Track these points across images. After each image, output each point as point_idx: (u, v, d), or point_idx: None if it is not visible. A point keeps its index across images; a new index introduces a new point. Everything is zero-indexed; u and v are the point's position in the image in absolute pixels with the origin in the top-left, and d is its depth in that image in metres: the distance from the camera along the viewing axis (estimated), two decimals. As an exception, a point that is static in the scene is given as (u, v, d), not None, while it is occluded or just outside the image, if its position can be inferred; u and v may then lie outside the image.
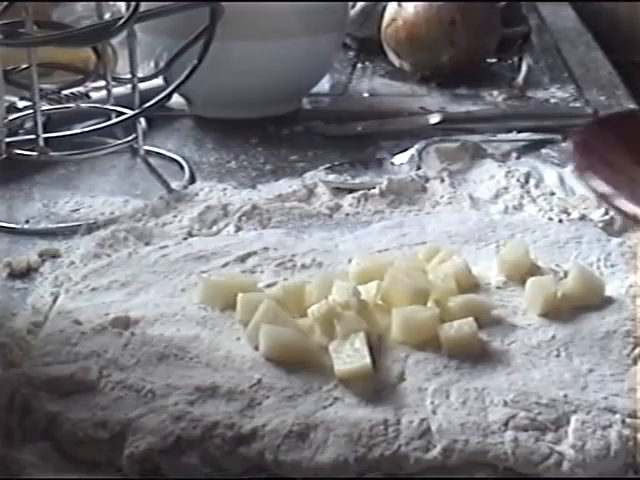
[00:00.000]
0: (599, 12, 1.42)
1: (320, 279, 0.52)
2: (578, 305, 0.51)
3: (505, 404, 0.43)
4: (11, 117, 0.73)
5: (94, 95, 0.82)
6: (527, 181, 0.70)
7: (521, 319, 0.51)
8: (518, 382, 0.45)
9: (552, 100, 0.95)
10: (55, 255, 0.61)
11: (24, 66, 0.69)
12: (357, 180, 0.71)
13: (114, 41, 0.77)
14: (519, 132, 0.81)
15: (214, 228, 0.64)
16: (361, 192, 0.68)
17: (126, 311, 0.52)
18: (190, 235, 0.63)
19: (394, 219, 0.65)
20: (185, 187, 0.71)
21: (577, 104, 0.93)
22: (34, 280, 0.58)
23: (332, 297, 0.50)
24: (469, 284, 0.53)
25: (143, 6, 0.64)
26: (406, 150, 0.76)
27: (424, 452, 0.41)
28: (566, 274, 0.54)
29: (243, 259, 0.58)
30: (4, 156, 0.68)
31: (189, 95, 0.88)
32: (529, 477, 0.41)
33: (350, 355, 0.46)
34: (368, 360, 0.45)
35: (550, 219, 0.63)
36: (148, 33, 0.81)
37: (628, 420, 0.43)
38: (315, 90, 0.93)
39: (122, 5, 0.86)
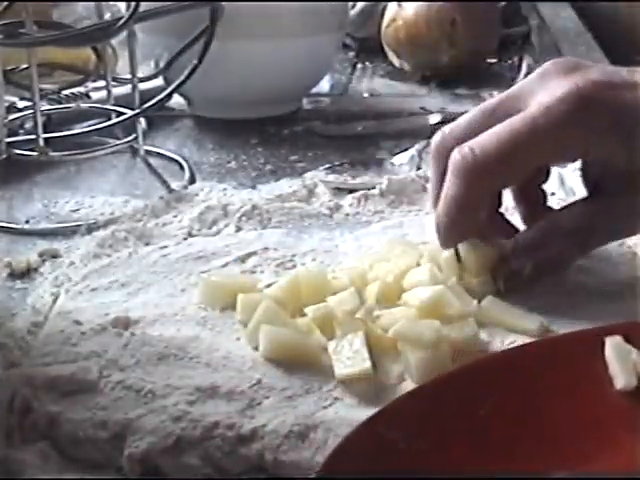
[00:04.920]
0: (599, 12, 1.42)
1: (315, 278, 0.52)
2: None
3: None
4: (11, 117, 0.73)
5: (94, 95, 0.82)
6: (527, 181, 0.69)
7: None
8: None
9: (552, 100, 0.94)
10: (55, 255, 0.61)
11: (24, 66, 0.69)
12: (357, 180, 0.71)
13: (114, 41, 0.77)
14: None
15: (214, 228, 0.64)
16: (361, 192, 0.68)
17: (126, 311, 0.52)
18: (190, 235, 0.63)
19: (394, 219, 0.65)
20: (185, 187, 0.71)
21: (577, 104, 0.92)
22: (34, 280, 0.58)
23: (331, 300, 0.50)
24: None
25: (143, 6, 0.64)
26: (406, 150, 0.76)
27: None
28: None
29: (243, 259, 0.58)
30: (4, 156, 0.68)
31: (189, 95, 0.88)
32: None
33: (350, 357, 0.46)
34: (369, 364, 0.45)
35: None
36: (148, 33, 0.81)
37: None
38: (315, 90, 0.93)
39: (122, 5, 0.86)
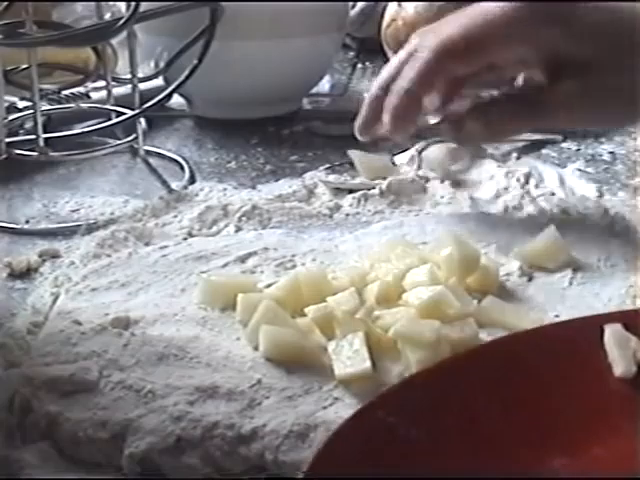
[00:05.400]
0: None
1: (315, 278, 0.52)
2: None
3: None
4: (11, 117, 0.73)
5: (94, 95, 0.82)
6: (527, 181, 0.70)
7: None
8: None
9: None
10: (55, 255, 0.61)
11: (24, 66, 0.69)
12: (357, 180, 0.71)
13: (114, 41, 0.77)
14: (519, 132, 0.81)
15: (214, 228, 0.64)
16: (361, 192, 0.68)
17: (126, 311, 0.52)
18: (190, 235, 0.63)
19: (394, 219, 0.65)
20: (185, 187, 0.71)
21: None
22: (34, 280, 0.58)
23: (331, 300, 0.50)
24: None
25: (143, 6, 0.64)
26: (406, 150, 0.76)
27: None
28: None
29: (243, 259, 0.58)
30: (4, 156, 0.68)
31: (189, 95, 0.88)
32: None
33: (350, 357, 0.46)
34: (368, 364, 0.45)
35: (550, 219, 0.63)
36: (148, 33, 0.81)
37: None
38: (315, 90, 0.93)
39: (122, 5, 0.86)
